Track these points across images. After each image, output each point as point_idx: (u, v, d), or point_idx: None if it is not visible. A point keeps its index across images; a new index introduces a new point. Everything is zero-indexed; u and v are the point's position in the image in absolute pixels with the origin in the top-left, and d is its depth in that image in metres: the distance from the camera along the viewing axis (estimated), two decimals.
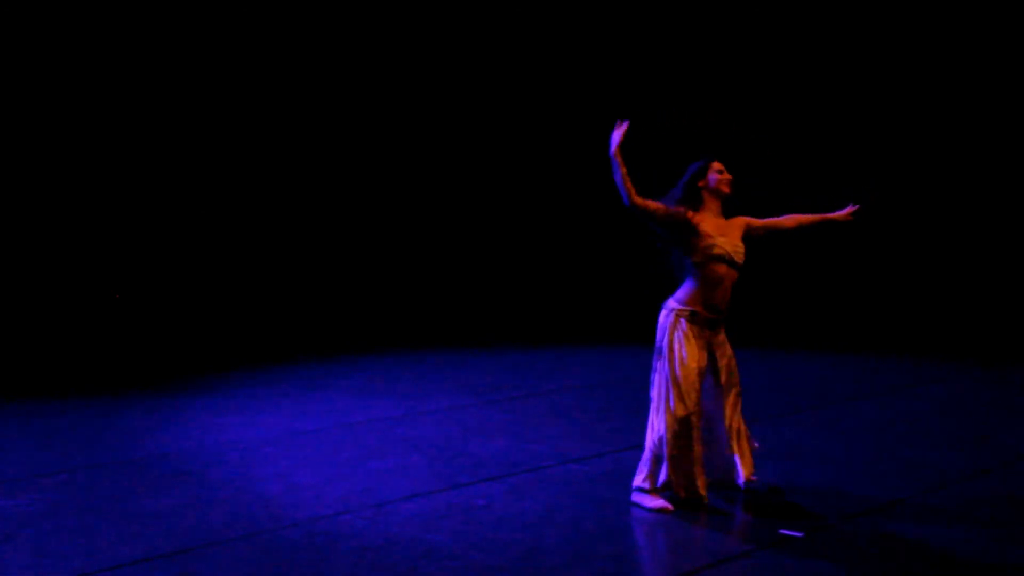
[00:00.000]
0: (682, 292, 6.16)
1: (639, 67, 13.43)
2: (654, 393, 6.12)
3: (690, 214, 6.12)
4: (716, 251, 6.06)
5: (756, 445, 6.37)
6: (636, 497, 6.01)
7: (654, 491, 5.99)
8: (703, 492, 5.93)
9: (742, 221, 6.31)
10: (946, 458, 7.21)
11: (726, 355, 6.25)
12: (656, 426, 6.04)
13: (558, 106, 14.76)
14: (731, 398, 6.23)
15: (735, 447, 6.19)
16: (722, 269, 6.09)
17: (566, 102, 14.62)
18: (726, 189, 6.24)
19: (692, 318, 6.08)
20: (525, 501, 6.16)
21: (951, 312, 12.70)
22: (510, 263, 15.03)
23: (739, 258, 6.15)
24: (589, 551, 5.25)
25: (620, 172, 6.04)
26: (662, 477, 6.03)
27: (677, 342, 6.04)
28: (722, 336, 6.25)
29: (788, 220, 6.45)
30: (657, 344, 6.13)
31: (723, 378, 6.21)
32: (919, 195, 12.29)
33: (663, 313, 6.18)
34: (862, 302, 13.26)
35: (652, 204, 6.09)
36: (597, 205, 15.04)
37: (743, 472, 6.15)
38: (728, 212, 6.32)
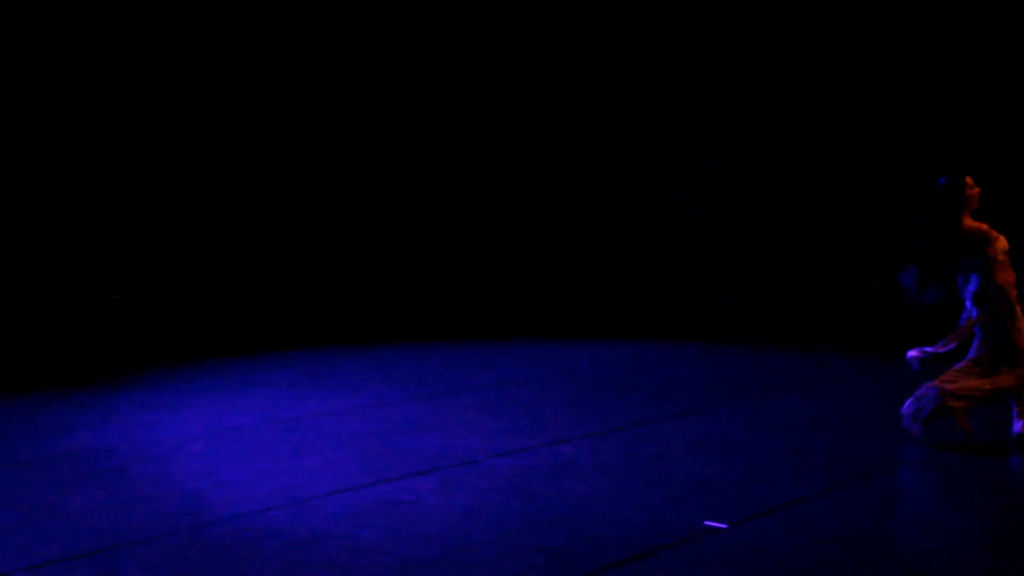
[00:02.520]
0: None
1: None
2: None
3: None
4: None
5: None
6: None
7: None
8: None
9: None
10: (872, 449, 7.32)
11: None
12: None
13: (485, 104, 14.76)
14: None
15: None
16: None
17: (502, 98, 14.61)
18: (975, 204, 7.26)
19: None
20: (454, 495, 6.15)
21: (875, 307, 12.84)
22: (440, 258, 14.98)
23: None
24: (518, 544, 5.25)
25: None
26: None
27: None
28: None
29: None
30: None
31: None
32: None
33: None
34: (798, 297, 13.37)
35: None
36: (524, 201, 15.08)
37: None
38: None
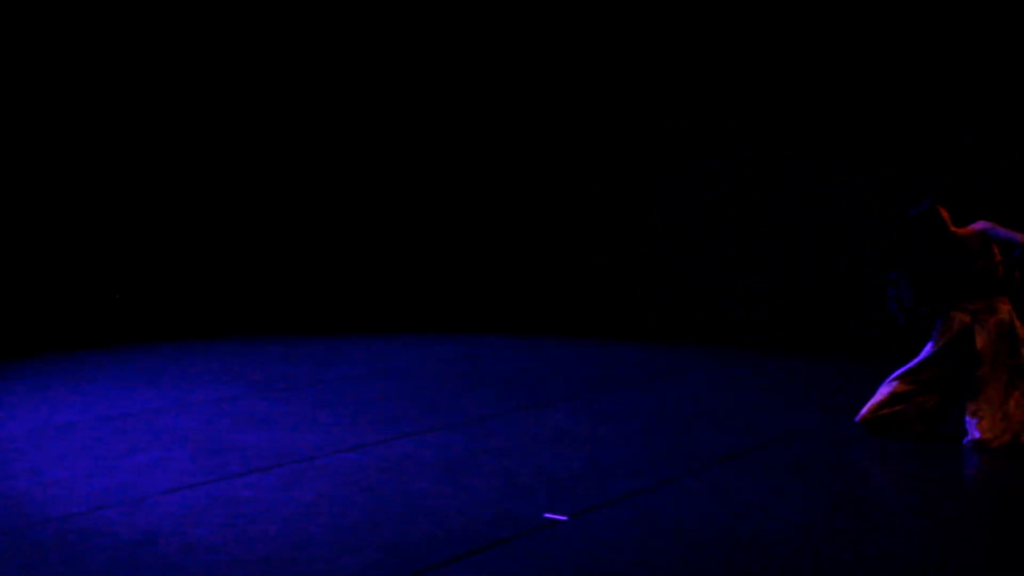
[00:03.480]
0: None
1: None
2: None
3: None
4: None
5: None
6: None
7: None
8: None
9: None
10: (709, 439, 7.49)
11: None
12: None
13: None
14: None
15: None
16: None
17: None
18: None
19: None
20: (294, 492, 6.05)
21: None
22: (283, 252, 14.73)
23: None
24: (357, 540, 5.19)
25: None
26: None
27: None
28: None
29: None
30: None
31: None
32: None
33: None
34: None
35: None
36: (372, 197, 14.96)
37: None
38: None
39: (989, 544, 5.38)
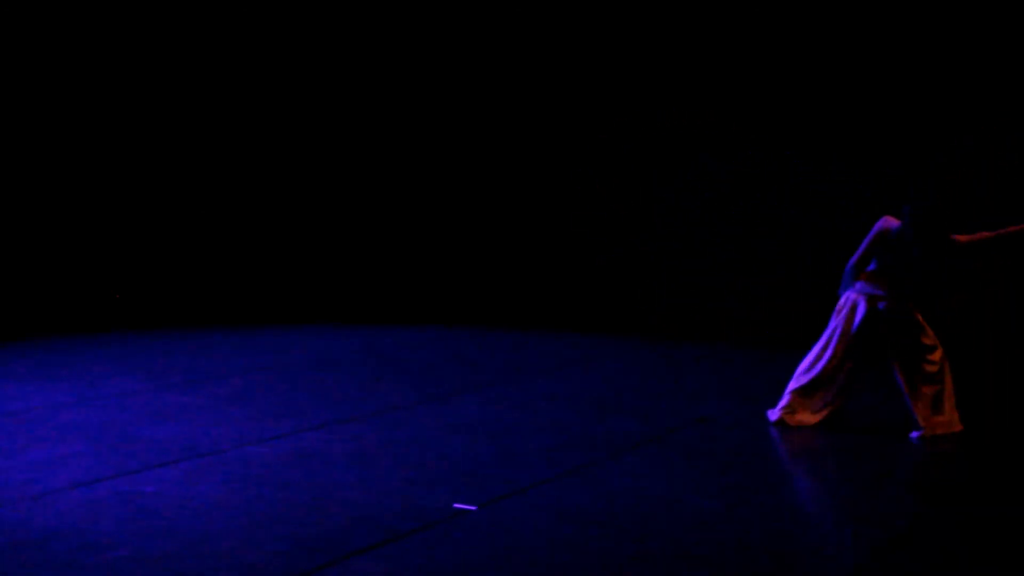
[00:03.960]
0: None
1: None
2: None
3: None
4: None
5: None
6: None
7: None
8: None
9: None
10: (619, 426, 7.54)
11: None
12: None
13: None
14: None
15: None
16: None
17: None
18: None
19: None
20: (200, 486, 5.95)
21: (618, 291, 13.20)
22: (186, 242, 14.44)
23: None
24: (262, 534, 5.13)
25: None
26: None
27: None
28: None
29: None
30: None
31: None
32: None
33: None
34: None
35: None
36: (282, 189, 14.78)
37: None
38: None
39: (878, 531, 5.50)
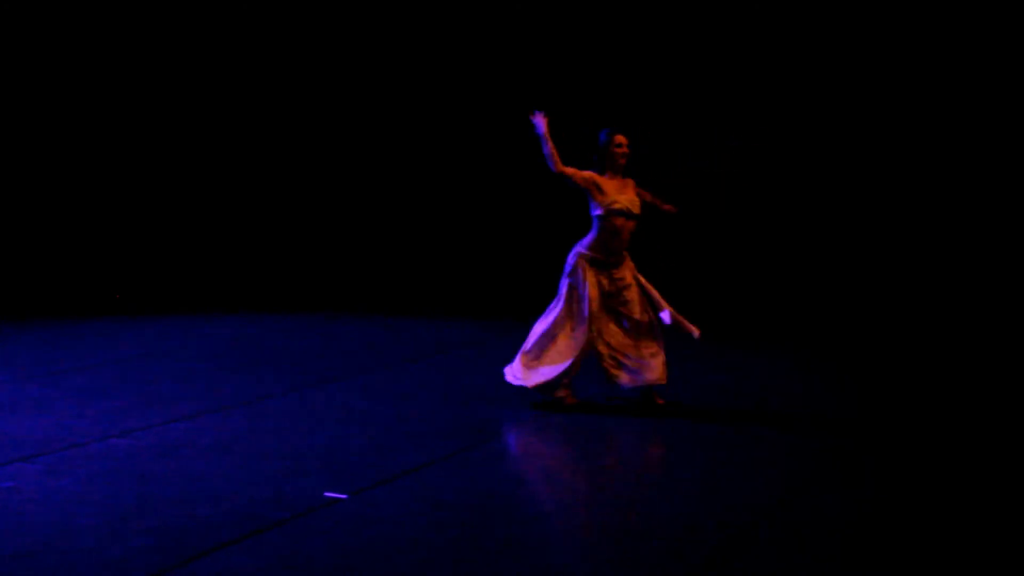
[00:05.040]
0: (587, 239, 7.65)
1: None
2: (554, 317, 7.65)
3: (596, 177, 7.60)
4: (616, 207, 7.50)
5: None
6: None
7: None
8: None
9: (631, 181, 7.71)
10: (488, 412, 7.57)
11: (622, 288, 7.64)
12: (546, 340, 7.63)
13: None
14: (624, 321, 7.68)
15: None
16: (619, 221, 7.53)
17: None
18: (622, 161, 7.62)
19: (592, 262, 7.59)
20: (61, 480, 5.79)
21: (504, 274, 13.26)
22: (49, 230, 14.02)
23: (636, 210, 7.59)
24: (126, 527, 5.01)
25: (549, 147, 7.55)
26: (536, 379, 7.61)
27: (581, 279, 7.59)
28: (621, 272, 7.64)
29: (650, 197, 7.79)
30: (566, 279, 7.68)
31: (616, 306, 7.65)
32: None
33: (571, 255, 7.69)
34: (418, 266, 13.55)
35: (568, 170, 7.59)
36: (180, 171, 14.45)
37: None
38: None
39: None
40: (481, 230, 13.74)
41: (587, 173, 7.63)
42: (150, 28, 13.90)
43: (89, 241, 14.18)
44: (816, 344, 11.12)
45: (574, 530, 5.14)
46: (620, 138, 7.65)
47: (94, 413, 7.42)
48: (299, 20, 14.28)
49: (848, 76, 11.66)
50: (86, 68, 13.73)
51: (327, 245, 14.51)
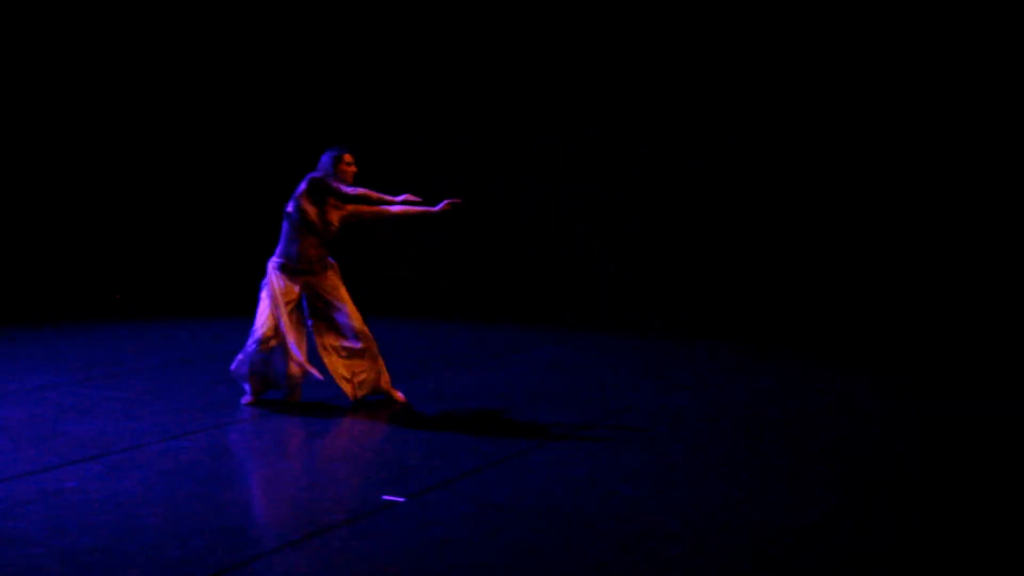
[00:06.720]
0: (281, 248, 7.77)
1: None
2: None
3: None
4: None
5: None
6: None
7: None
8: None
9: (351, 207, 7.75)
10: (545, 417, 7.57)
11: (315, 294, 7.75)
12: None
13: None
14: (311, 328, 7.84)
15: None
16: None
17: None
18: (350, 179, 7.66)
19: (283, 268, 7.69)
20: (122, 481, 5.86)
21: (543, 280, 13.19)
22: (105, 233, 14.18)
23: (331, 233, 7.72)
24: (186, 528, 5.07)
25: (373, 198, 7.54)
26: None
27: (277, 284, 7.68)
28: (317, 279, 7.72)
29: (394, 209, 7.70)
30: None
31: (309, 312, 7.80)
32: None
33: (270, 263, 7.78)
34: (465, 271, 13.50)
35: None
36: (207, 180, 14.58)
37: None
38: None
39: None
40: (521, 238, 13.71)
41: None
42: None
43: (143, 244, 14.34)
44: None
45: (631, 537, 5.12)
46: (348, 156, 7.70)
47: (153, 414, 7.51)
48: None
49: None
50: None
51: (377, 249, 14.52)
